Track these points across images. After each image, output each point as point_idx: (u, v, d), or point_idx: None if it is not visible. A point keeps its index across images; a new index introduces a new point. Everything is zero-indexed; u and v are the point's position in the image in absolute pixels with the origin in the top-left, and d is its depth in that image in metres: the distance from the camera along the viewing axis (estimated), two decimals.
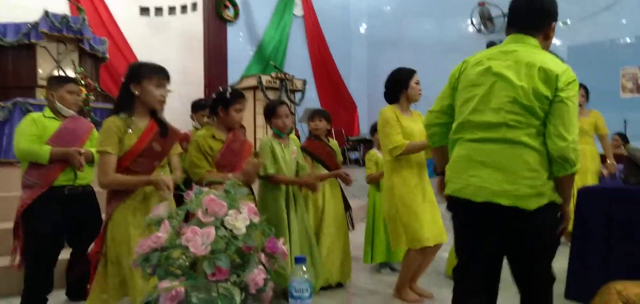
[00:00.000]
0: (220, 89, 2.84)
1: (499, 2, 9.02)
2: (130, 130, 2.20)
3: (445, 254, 3.83)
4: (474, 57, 1.90)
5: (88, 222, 2.99)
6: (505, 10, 2.09)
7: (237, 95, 2.77)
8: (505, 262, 1.88)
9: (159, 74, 2.22)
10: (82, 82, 5.76)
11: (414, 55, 2.82)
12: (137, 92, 2.20)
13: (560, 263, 3.53)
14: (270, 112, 3.19)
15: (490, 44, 10.09)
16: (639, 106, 4.66)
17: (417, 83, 3.09)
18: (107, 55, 6.71)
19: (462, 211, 1.85)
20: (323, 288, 3.32)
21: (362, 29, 11.75)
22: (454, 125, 1.89)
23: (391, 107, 3.06)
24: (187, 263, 1.19)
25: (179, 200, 1.45)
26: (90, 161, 2.88)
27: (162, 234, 1.26)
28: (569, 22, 8.49)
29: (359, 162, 7.70)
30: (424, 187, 3.04)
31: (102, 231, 2.25)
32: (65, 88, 2.95)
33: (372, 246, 3.82)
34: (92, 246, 2.29)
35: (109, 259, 2.21)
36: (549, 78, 1.68)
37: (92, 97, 5.84)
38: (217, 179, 2.54)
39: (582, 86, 4.37)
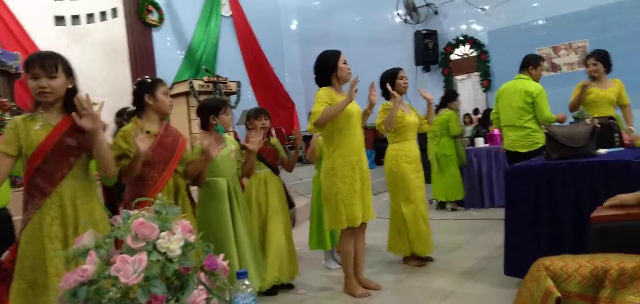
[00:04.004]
0: (138, 79, 2.69)
1: None
2: (38, 126, 2.04)
3: (383, 243, 3.89)
4: (506, 86, 4.33)
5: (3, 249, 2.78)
6: None
7: (158, 79, 2.65)
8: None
9: (33, 63, 2.03)
10: None
11: (345, 47, 2.86)
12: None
13: (500, 239, 3.70)
14: (215, 111, 3.09)
15: (417, 33, 10.36)
16: (553, 84, 5.01)
17: (345, 63, 3.12)
18: (21, 71, 6.20)
19: (507, 154, 4.38)
20: (269, 291, 3.27)
21: (293, 25, 11.73)
22: (501, 118, 4.40)
23: (326, 88, 3.09)
24: (119, 295, 1.11)
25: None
26: None
27: (89, 266, 1.16)
28: (487, 8, 8.97)
29: (302, 160, 7.65)
30: (362, 168, 3.09)
31: (18, 238, 2.07)
32: None
33: (318, 232, 3.82)
34: (6, 253, 2.11)
35: (21, 274, 2.01)
36: (529, 94, 4.09)
37: (7, 117, 5.38)
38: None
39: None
